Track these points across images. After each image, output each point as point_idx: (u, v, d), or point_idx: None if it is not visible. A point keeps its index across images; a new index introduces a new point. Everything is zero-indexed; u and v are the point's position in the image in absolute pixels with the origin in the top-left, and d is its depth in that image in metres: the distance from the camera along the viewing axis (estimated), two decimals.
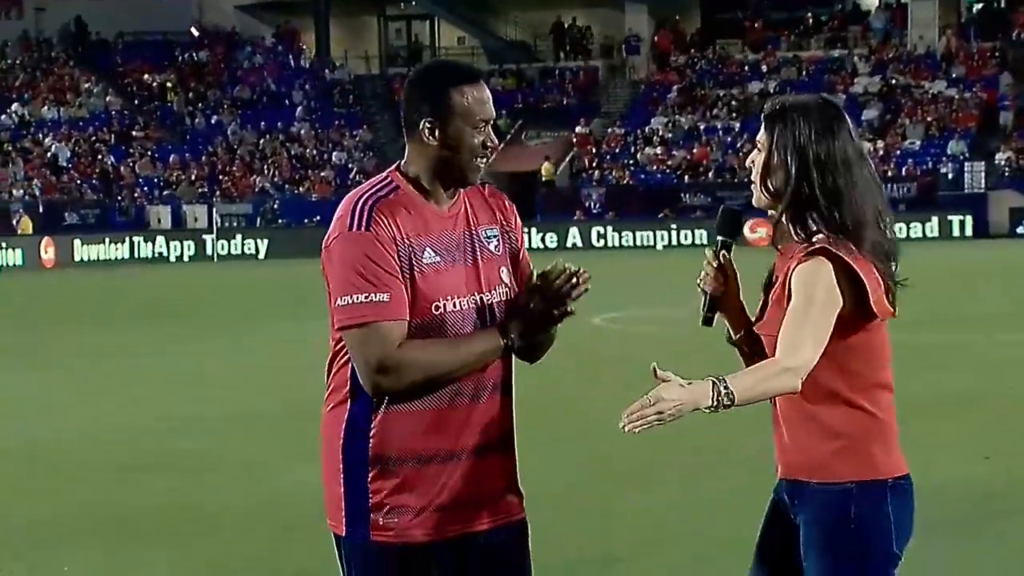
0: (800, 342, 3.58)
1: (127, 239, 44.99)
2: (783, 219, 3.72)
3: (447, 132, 3.85)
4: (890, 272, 3.72)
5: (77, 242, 44.10)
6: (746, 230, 43.08)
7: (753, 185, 3.77)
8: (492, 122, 3.92)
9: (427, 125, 3.86)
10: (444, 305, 3.83)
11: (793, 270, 3.66)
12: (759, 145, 3.77)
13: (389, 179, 3.91)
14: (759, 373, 3.58)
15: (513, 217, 4.06)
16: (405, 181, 3.90)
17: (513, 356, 3.97)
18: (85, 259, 43.73)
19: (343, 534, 3.94)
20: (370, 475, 3.86)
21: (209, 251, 45.28)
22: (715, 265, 3.89)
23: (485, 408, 3.90)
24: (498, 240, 3.98)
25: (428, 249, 3.83)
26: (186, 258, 44.97)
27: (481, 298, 3.89)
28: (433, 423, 3.84)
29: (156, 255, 44.82)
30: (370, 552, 3.90)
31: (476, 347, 3.82)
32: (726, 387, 3.48)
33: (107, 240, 44.66)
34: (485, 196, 4.03)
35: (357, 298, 3.77)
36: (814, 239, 3.67)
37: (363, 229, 3.78)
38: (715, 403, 3.48)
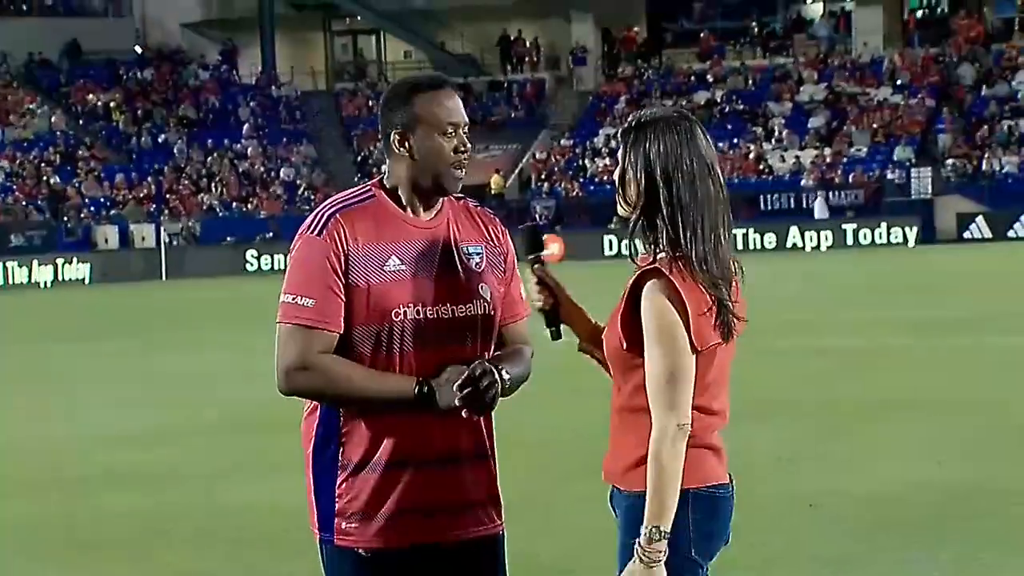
0: (675, 396, 3.66)
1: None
2: (636, 230, 3.81)
3: (415, 140, 3.89)
4: (722, 294, 3.76)
5: None
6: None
7: (617, 196, 3.86)
8: (465, 126, 3.93)
9: (396, 136, 3.92)
10: (405, 312, 3.84)
11: (633, 287, 3.73)
12: (618, 159, 3.85)
13: (367, 188, 3.97)
14: (658, 473, 3.65)
15: (505, 241, 4.05)
16: (383, 192, 3.94)
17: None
18: None
19: (317, 538, 3.96)
20: (337, 480, 3.88)
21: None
22: (535, 282, 3.95)
23: (456, 419, 3.86)
24: (481, 257, 3.98)
25: (393, 257, 3.86)
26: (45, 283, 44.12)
27: (452, 309, 3.90)
28: (402, 430, 3.84)
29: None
30: (335, 556, 3.91)
31: (387, 385, 3.82)
32: (657, 528, 3.62)
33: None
34: (474, 214, 4.05)
35: (287, 298, 3.85)
36: (658, 256, 3.75)
37: (315, 234, 3.84)
38: (659, 553, 3.62)
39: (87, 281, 44.11)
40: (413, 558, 3.88)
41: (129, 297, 35.99)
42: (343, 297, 3.82)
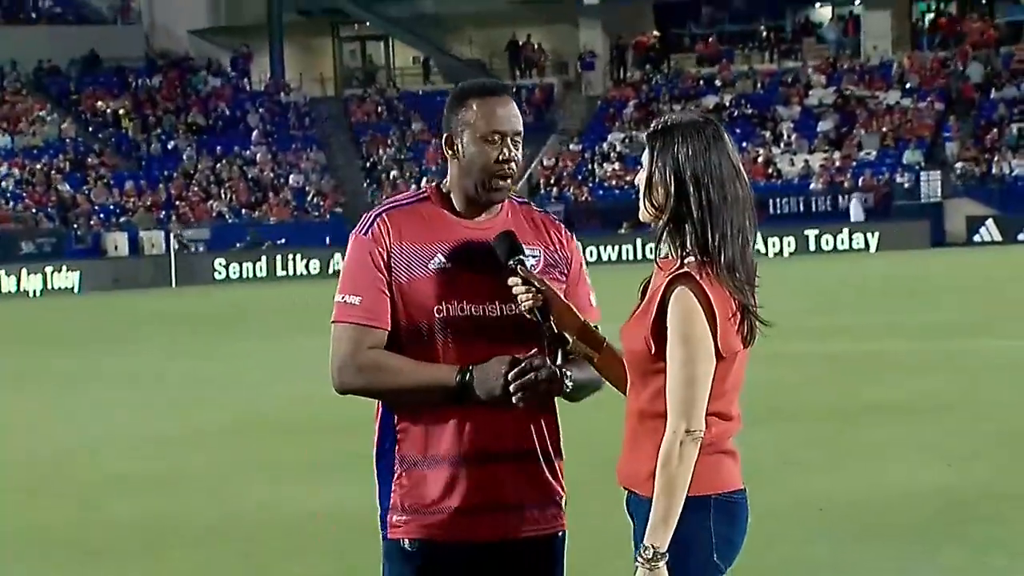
0: (691, 403, 3.66)
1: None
2: (664, 234, 3.81)
3: (460, 145, 3.93)
4: (746, 299, 3.76)
5: None
6: None
7: (640, 201, 3.85)
8: (515, 136, 3.93)
9: (447, 137, 3.97)
10: (448, 308, 3.87)
11: (664, 292, 3.72)
12: (642, 163, 3.84)
13: (423, 190, 4.04)
14: (667, 480, 3.64)
15: (566, 245, 4.06)
16: (437, 194, 4.00)
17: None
18: None
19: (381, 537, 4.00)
20: (394, 476, 3.93)
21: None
22: (520, 281, 3.91)
23: (516, 414, 3.85)
24: (537, 260, 3.97)
25: (439, 255, 3.90)
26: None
27: (501, 308, 3.90)
28: (457, 427, 3.87)
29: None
30: (387, 550, 3.95)
31: (429, 375, 3.84)
32: (649, 547, 3.63)
33: None
34: (536, 218, 4.07)
35: (338, 297, 3.92)
36: (686, 260, 3.74)
37: (363, 234, 3.91)
38: (655, 560, 3.64)
39: (76, 290, 43.86)
40: (461, 555, 3.89)
41: (112, 307, 36.02)
42: (388, 294, 3.88)
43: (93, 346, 23.84)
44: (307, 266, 45.67)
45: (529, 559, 3.96)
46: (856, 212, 45.87)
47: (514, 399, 3.78)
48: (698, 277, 3.70)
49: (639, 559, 3.66)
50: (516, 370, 3.78)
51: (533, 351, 3.88)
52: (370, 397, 3.95)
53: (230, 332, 25.62)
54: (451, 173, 3.98)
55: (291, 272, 45.52)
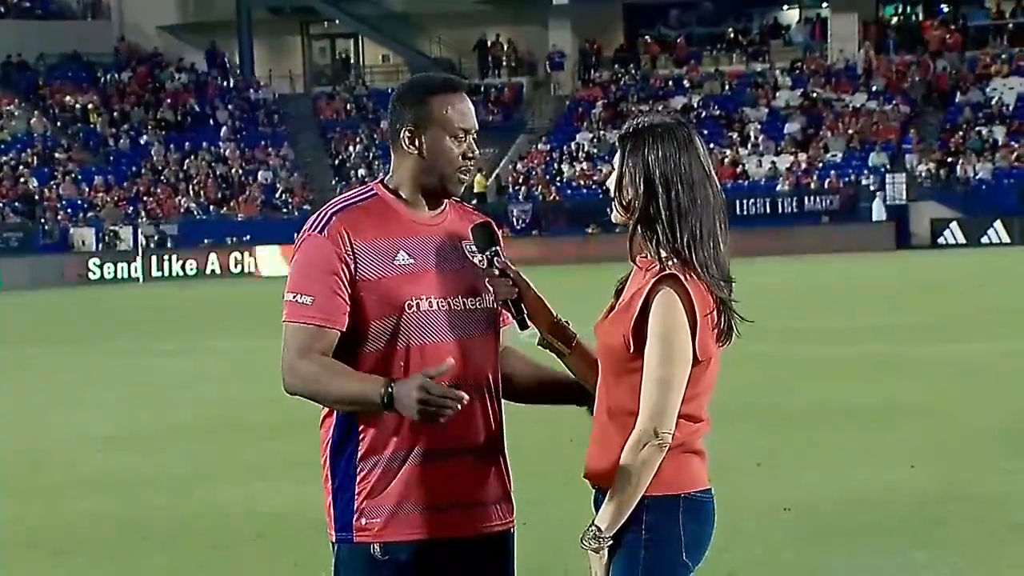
0: (664, 405, 3.69)
1: None
2: (636, 234, 3.83)
3: (426, 140, 3.91)
4: (725, 296, 3.80)
5: None
6: None
7: (613, 202, 3.88)
8: (475, 132, 3.97)
9: (407, 133, 3.93)
10: (418, 304, 3.86)
11: (648, 292, 3.73)
12: (614, 165, 3.88)
13: (370, 188, 3.99)
14: (627, 477, 3.70)
15: (501, 243, 4.08)
16: (385, 191, 3.97)
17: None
18: None
19: (334, 540, 3.94)
20: (357, 479, 3.89)
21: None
22: (497, 274, 3.95)
23: (469, 411, 3.85)
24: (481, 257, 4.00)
25: (401, 252, 3.88)
26: None
27: (464, 302, 3.93)
28: (418, 426, 3.81)
29: None
30: (352, 555, 3.90)
31: (357, 388, 3.78)
32: (597, 528, 3.74)
33: None
34: (472, 215, 4.08)
35: (288, 296, 3.86)
36: (669, 261, 3.75)
37: (318, 232, 3.85)
38: (600, 545, 3.74)
39: None
40: (427, 553, 3.89)
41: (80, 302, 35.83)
42: (345, 294, 3.82)
43: (63, 342, 23.76)
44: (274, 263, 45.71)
45: (490, 555, 4.01)
46: (878, 211, 45.94)
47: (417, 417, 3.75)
48: (683, 278, 3.72)
49: (585, 541, 3.74)
50: (426, 396, 3.70)
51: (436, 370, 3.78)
52: (310, 400, 3.89)
53: (199, 329, 25.57)
54: (405, 167, 3.95)
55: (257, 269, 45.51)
